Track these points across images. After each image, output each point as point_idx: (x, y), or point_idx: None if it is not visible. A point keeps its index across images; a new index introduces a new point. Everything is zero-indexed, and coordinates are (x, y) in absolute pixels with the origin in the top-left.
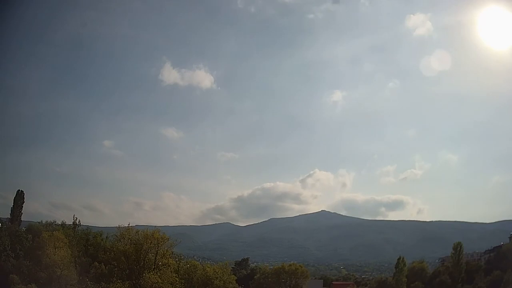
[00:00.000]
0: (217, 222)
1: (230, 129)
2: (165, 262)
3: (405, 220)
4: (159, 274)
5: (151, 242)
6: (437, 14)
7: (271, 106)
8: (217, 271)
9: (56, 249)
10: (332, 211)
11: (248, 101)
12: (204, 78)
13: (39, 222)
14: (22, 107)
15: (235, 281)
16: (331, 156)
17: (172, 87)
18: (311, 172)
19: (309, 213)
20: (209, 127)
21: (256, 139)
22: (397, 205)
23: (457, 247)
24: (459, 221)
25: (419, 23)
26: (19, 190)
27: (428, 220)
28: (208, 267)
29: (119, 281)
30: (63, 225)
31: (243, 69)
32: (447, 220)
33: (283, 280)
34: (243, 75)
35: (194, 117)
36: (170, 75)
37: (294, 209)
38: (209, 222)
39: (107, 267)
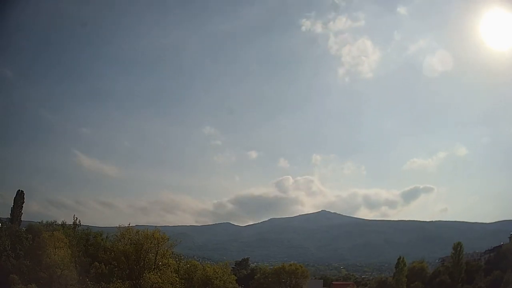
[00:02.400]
0: (217, 222)
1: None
2: (165, 262)
3: (405, 220)
4: (159, 274)
5: (151, 242)
6: None
7: (270, 72)
8: (217, 271)
9: (56, 249)
10: (332, 211)
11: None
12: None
13: (39, 222)
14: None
15: (235, 281)
16: (346, 138)
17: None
18: (319, 161)
19: (309, 213)
20: (203, 115)
21: (256, 122)
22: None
23: (457, 247)
24: (459, 221)
25: None
26: (19, 190)
27: (428, 220)
28: (208, 267)
29: (119, 281)
30: (63, 225)
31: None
32: (447, 220)
33: (283, 280)
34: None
35: (187, 103)
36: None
37: (297, 208)
38: (209, 222)
39: (107, 267)
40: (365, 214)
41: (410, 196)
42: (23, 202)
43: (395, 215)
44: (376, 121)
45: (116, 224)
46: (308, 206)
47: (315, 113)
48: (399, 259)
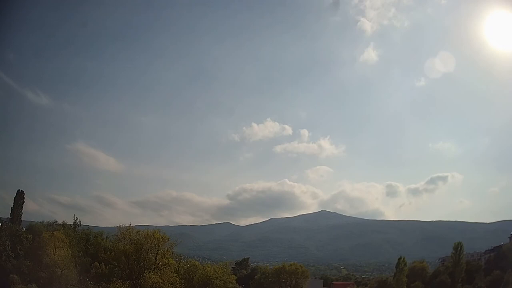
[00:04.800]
0: (217, 222)
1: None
2: (165, 262)
3: (405, 220)
4: (159, 274)
5: (152, 242)
6: None
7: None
8: (217, 271)
9: (57, 249)
10: (332, 211)
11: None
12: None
13: (40, 222)
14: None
15: (235, 281)
16: (363, 119)
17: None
18: (331, 148)
19: (309, 213)
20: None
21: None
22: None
23: (458, 247)
24: (459, 221)
25: None
26: (19, 190)
27: (428, 220)
28: (208, 267)
29: (119, 281)
30: (63, 225)
31: None
32: (447, 220)
33: (283, 280)
34: None
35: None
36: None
37: (302, 204)
38: (209, 222)
39: (107, 267)
40: (379, 206)
41: (431, 186)
42: (23, 202)
43: (395, 215)
44: (397, 97)
45: (116, 224)
46: (315, 201)
47: (331, 85)
48: (399, 259)
